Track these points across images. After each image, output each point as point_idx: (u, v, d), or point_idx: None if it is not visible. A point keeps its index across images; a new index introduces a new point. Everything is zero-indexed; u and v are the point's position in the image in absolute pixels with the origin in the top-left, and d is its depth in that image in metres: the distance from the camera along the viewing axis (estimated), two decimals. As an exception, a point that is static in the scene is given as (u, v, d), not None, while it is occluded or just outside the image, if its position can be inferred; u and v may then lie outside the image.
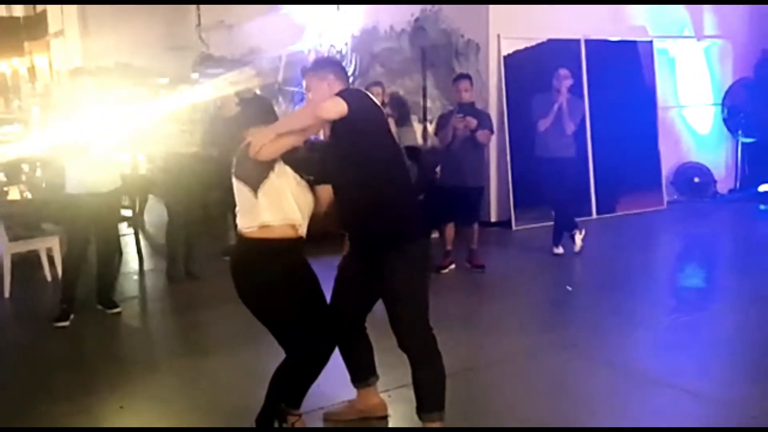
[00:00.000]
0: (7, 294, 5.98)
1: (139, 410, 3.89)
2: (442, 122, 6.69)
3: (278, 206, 3.18)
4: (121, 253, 7.42)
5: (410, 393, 3.38)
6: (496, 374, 4.33)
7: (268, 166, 3.15)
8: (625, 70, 9.27)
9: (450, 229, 6.75)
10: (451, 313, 5.58)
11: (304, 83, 3.46)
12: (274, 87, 11.90)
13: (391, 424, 3.69)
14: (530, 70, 8.25)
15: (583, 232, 7.23)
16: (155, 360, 4.72)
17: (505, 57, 8.52)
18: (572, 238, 7.17)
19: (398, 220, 3.22)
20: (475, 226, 6.80)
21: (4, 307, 5.89)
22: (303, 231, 3.27)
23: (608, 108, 9.01)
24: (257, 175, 3.16)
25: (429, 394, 3.29)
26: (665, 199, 9.58)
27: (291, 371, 3.35)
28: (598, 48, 9.02)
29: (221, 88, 6.28)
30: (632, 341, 4.79)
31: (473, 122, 6.32)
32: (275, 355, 3.35)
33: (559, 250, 7.12)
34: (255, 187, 3.15)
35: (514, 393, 4.06)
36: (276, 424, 3.42)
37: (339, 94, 3.11)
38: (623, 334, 4.89)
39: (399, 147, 3.53)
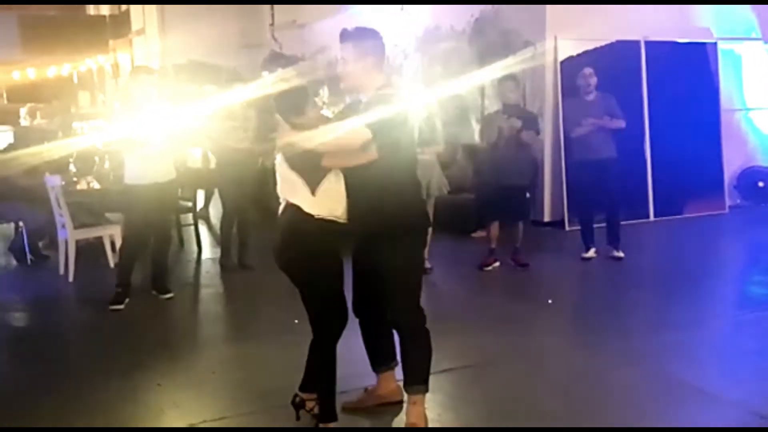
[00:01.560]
0: (71, 278, 6.43)
1: (175, 388, 4.16)
2: (487, 122, 6.77)
3: (329, 204, 3.34)
4: (182, 243, 7.88)
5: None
6: (517, 371, 4.40)
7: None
8: (687, 71, 9.08)
9: (495, 228, 6.82)
10: (486, 309, 5.75)
11: (341, 48, 3.39)
12: (340, 86, 12.16)
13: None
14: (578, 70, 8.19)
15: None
16: (197, 343, 5.01)
17: (561, 62, 8.49)
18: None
19: (404, 213, 3.38)
20: (520, 224, 6.86)
21: (68, 290, 6.34)
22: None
23: (669, 110, 8.85)
24: (317, 175, 3.31)
25: (416, 368, 3.50)
26: (727, 203, 9.35)
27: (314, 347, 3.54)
28: (660, 49, 8.87)
29: (275, 84, 6.51)
30: (674, 349, 4.68)
31: (517, 123, 6.38)
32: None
33: (619, 253, 6.97)
34: (313, 187, 3.31)
35: (533, 391, 4.13)
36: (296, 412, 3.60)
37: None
38: (663, 341, 4.82)
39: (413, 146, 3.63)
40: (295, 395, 3.66)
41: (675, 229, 8.58)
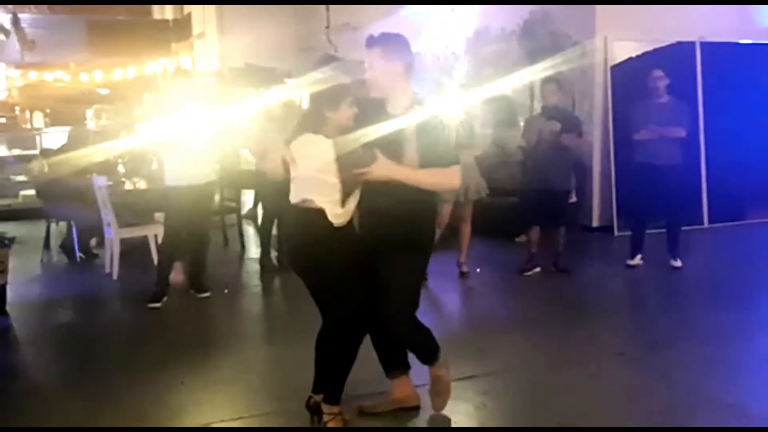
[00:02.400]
0: (115, 276, 6.63)
1: (197, 386, 4.22)
2: (528, 125, 6.66)
3: (353, 208, 3.37)
4: (226, 242, 8.02)
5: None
6: (545, 378, 4.31)
7: None
8: (746, 73, 8.73)
9: (535, 232, 6.72)
10: (519, 314, 5.69)
11: (367, 54, 3.35)
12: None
13: (423, 415, 3.77)
14: (638, 72, 7.96)
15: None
16: (226, 343, 5.06)
17: (612, 66, 8.29)
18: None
19: (415, 226, 3.40)
20: (562, 229, 6.72)
21: (111, 287, 6.53)
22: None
23: (725, 113, 8.52)
24: (352, 187, 3.33)
25: (423, 352, 3.62)
26: (787, 209, 8.95)
27: (327, 347, 3.56)
28: (717, 50, 8.55)
29: (315, 85, 6.55)
30: (713, 362, 4.49)
31: (557, 126, 6.25)
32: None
33: (677, 263, 6.72)
34: (347, 194, 3.32)
35: (559, 399, 4.03)
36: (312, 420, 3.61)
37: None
38: (703, 353, 4.64)
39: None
40: (309, 397, 3.67)
41: (729, 236, 8.27)
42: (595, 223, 8.57)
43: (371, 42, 3.32)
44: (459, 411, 3.79)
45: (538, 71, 8.73)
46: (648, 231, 6.87)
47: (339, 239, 3.32)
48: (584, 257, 7.39)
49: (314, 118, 3.42)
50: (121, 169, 7.53)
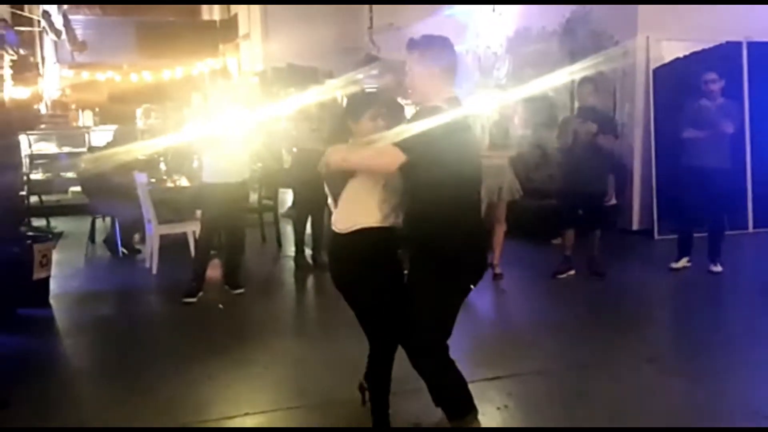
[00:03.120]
0: (154, 270, 6.79)
1: (224, 380, 4.30)
2: (564, 127, 6.60)
3: (355, 214, 3.29)
4: (264, 240, 8.14)
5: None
6: (571, 381, 4.30)
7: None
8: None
9: (570, 235, 6.65)
10: (549, 317, 5.64)
11: (407, 58, 3.21)
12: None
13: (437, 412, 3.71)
14: (682, 73, 7.83)
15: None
16: (256, 338, 5.15)
17: (654, 69, 8.16)
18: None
19: (434, 235, 3.10)
20: (597, 232, 6.65)
21: (149, 282, 6.70)
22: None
23: (772, 115, 8.32)
24: (338, 184, 3.31)
25: (450, 403, 3.24)
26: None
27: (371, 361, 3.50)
28: (763, 51, 8.33)
29: (344, 87, 6.64)
30: (748, 370, 4.42)
31: (593, 127, 6.19)
32: (364, 346, 3.51)
33: (717, 268, 6.59)
34: (335, 197, 3.33)
35: (585, 403, 4.01)
36: None
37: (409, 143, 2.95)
38: (737, 361, 4.55)
39: (475, 169, 3.27)
40: (360, 383, 3.71)
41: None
42: (635, 227, 8.44)
43: (411, 45, 3.21)
44: (480, 411, 3.78)
45: (579, 71, 8.66)
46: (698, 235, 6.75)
47: (355, 247, 3.23)
48: (622, 260, 7.30)
49: (341, 129, 3.47)
50: (162, 166, 7.70)
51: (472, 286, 3.23)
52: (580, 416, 3.82)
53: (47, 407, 3.99)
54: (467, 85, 9.92)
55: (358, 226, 3.19)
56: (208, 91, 6.19)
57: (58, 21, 12.60)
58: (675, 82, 7.77)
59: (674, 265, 6.74)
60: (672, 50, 8.21)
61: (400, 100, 3.57)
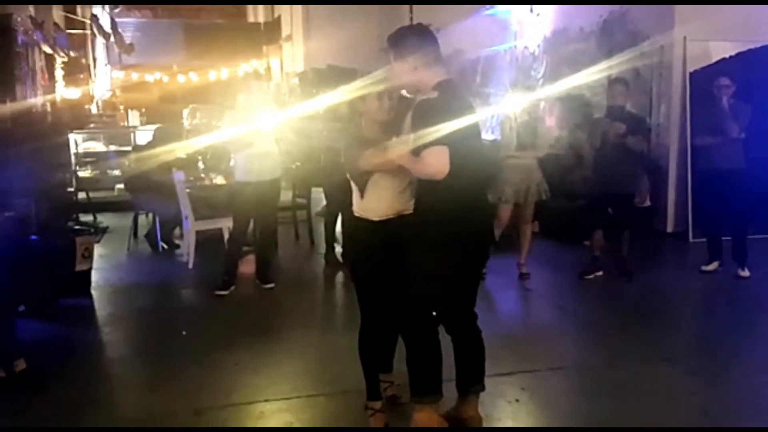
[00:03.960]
0: (191, 265, 7.05)
1: (250, 367, 4.48)
2: (593, 127, 6.62)
3: (377, 205, 3.48)
4: (297, 237, 8.34)
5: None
6: (585, 381, 4.38)
7: None
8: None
9: (598, 236, 6.67)
10: (571, 317, 5.71)
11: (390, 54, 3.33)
12: (471, 88, 12.28)
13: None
14: (720, 75, 7.74)
15: None
16: (283, 330, 5.33)
17: (691, 72, 8.10)
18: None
19: (431, 224, 3.25)
20: (626, 234, 6.65)
21: (185, 276, 6.95)
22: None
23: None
24: (362, 178, 3.49)
25: (419, 377, 3.41)
26: None
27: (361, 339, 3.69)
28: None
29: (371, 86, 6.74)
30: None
31: (621, 128, 6.20)
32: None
33: (745, 272, 6.53)
34: (361, 189, 3.48)
35: (590, 398, 4.09)
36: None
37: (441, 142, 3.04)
38: (750, 365, 4.59)
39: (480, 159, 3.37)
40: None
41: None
42: (670, 229, 8.39)
43: (388, 41, 3.32)
44: (489, 403, 3.89)
45: (615, 67, 8.64)
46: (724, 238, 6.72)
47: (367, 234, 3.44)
48: (654, 263, 7.28)
49: (355, 120, 3.61)
50: (200, 165, 7.96)
51: (480, 269, 3.52)
52: (586, 413, 3.89)
53: (82, 389, 4.22)
54: (503, 84, 9.99)
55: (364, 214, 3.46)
56: (241, 92, 6.37)
57: (106, 24, 13.03)
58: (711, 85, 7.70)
59: (705, 268, 6.71)
60: (710, 51, 8.13)
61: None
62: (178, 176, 7.10)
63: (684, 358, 4.66)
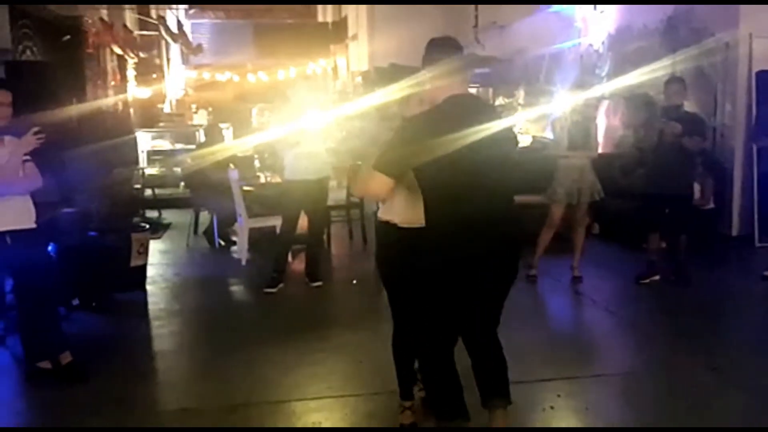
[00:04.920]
0: (243, 262, 7.20)
1: (289, 366, 4.53)
2: (648, 127, 6.41)
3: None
4: (351, 236, 8.39)
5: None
6: (620, 386, 4.27)
7: None
8: None
9: (654, 239, 6.47)
10: (623, 322, 5.60)
11: None
12: (536, 86, 12.10)
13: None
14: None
15: None
16: (324, 328, 5.37)
17: (758, 72, 7.75)
18: None
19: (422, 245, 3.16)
20: (683, 237, 6.42)
21: (237, 272, 7.09)
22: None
23: None
24: None
25: (432, 398, 3.42)
26: None
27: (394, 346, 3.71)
28: None
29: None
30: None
31: (677, 128, 5.99)
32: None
33: None
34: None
35: (627, 406, 3.98)
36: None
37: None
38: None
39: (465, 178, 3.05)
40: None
41: None
42: (735, 233, 8.05)
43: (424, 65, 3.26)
44: (521, 410, 3.81)
45: (680, 70, 8.35)
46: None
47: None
48: (715, 267, 7.01)
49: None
50: (256, 163, 8.10)
51: (495, 289, 3.17)
52: (618, 422, 3.79)
53: (122, 383, 4.36)
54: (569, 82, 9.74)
55: (385, 218, 3.47)
56: (292, 92, 6.46)
57: (173, 26, 13.42)
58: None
59: (767, 273, 6.42)
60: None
61: None
62: (233, 174, 7.24)
63: (732, 368, 4.45)
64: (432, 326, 3.24)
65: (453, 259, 3.05)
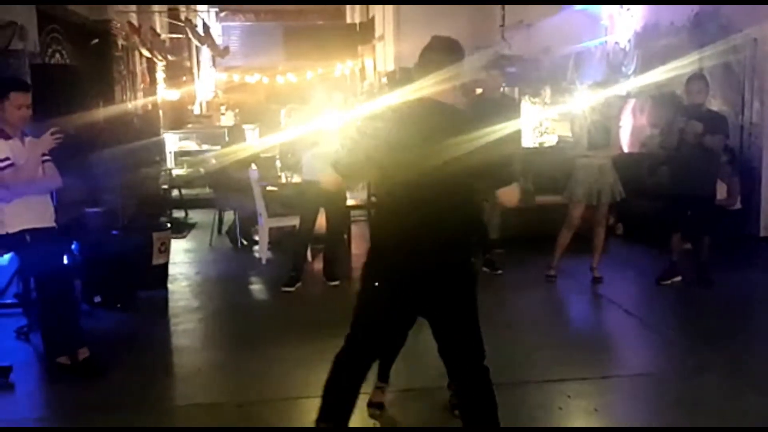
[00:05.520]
0: (264, 261, 7.26)
1: (302, 364, 4.54)
2: (668, 126, 6.33)
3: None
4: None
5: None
6: (631, 389, 4.23)
7: None
8: None
9: (676, 240, 6.38)
10: (641, 323, 5.54)
11: None
12: (561, 85, 12.01)
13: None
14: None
15: None
16: (339, 327, 5.30)
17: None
18: None
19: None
20: (706, 239, 6.31)
21: (257, 271, 7.17)
22: None
23: None
24: None
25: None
26: None
27: None
28: None
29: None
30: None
31: (698, 127, 5.89)
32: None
33: None
34: None
35: (635, 409, 3.94)
36: None
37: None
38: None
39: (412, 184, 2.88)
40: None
41: None
42: (763, 233, 7.90)
43: None
44: (528, 410, 3.81)
45: (707, 67, 8.21)
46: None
47: None
48: (740, 268, 6.87)
49: None
50: (277, 163, 8.17)
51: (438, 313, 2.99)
52: (627, 423, 3.75)
53: (138, 379, 4.43)
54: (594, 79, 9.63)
55: None
56: (311, 94, 6.51)
57: (200, 28, 13.62)
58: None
59: None
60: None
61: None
62: (253, 174, 7.32)
63: (750, 371, 4.38)
64: (357, 334, 3.18)
65: (379, 272, 2.94)
